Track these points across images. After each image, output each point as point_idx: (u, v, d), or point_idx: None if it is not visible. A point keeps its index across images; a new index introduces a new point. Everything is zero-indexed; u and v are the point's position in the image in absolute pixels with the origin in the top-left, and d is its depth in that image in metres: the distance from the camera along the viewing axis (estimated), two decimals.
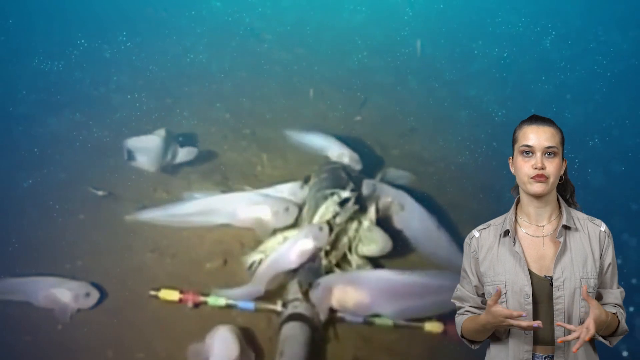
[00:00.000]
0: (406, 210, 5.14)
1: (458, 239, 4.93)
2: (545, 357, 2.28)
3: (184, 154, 5.63)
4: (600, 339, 2.31)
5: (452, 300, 2.49)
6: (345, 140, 5.83)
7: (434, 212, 5.22)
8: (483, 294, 2.39)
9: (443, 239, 5.07)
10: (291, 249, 4.71)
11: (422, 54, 6.78)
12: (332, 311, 4.52)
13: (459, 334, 2.43)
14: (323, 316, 4.45)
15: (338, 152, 5.61)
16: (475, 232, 2.41)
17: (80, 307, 4.56)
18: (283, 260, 4.70)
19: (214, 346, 4.22)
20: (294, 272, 4.70)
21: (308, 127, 6.12)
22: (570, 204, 2.41)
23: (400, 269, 4.69)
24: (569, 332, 2.21)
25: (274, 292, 4.66)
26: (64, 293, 4.56)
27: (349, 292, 4.52)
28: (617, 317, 2.30)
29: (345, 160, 5.54)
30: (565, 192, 2.42)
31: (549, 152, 2.29)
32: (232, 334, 4.29)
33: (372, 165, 5.64)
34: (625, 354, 4.26)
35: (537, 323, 2.18)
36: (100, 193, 5.24)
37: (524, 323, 2.18)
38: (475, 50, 6.94)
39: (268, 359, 4.38)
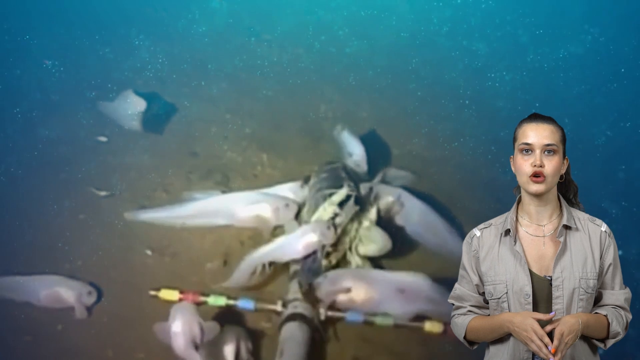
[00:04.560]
0: (407, 206, 5.13)
1: (461, 236, 4.90)
2: None
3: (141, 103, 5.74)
4: (595, 342, 2.30)
5: (449, 301, 2.47)
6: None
7: (434, 210, 5.22)
8: (483, 292, 2.38)
9: (448, 232, 5.06)
10: (299, 239, 4.71)
11: (422, 54, 6.78)
12: (332, 309, 4.52)
13: (462, 335, 2.39)
14: (324, 309, 4.46)
15: (354, 157, 5.58)
16: (477, 231, 2.40)
17: (85, 304, 4.57)
18: (290, 248, 4.70)
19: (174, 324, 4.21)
20: (294, 271, 4.71)
21: (308, 126, 6.12)
22: (573, 203, 2.40)
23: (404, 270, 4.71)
24: None
25: (269, 285, 4.67)
26: (67, 292, 4.57)
27: (359, 288, 4.52)
28: (607, 319, 2.27)
29: (353, 164, 5.50)
30: (568, 192, 2.41)
31: (548, 149, 2.28)
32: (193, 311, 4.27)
33: (372, 165, 5.63)
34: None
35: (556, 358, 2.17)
36: (102, 193, 5.24)
37: (541, 354, 2.17)
38: (475, 50, 6.94)
39: (268, 359, 4.38)
